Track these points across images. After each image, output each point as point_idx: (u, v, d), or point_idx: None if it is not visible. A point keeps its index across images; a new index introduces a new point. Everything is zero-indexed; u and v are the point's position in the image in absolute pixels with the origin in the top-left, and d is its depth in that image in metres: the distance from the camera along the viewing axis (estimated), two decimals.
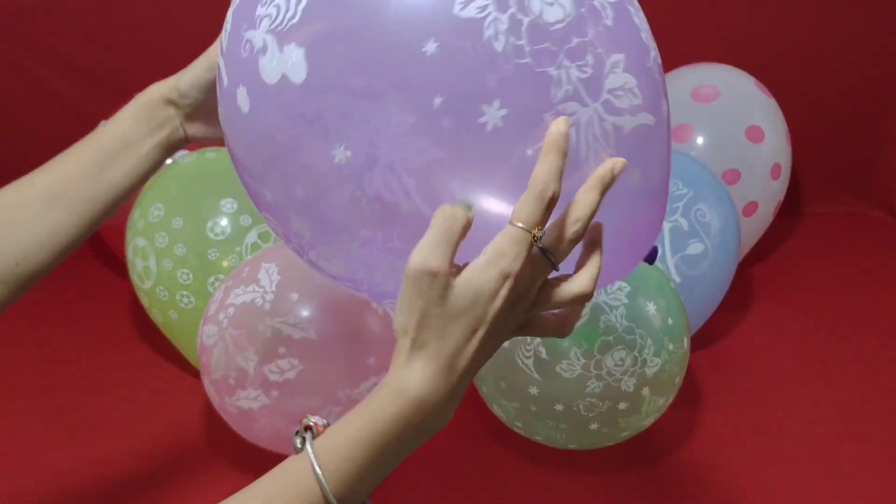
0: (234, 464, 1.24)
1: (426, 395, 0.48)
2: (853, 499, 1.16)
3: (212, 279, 1.28)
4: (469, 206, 0.48)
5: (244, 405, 1.08)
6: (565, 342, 1.04)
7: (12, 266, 0.69)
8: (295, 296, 1.10)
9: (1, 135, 1.99)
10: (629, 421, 1.10)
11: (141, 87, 1.92)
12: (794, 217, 2.04)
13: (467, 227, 0.48)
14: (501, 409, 1.16)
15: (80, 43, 1.93)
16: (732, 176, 1.53)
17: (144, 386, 1.45)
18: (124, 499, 1.20)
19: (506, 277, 0.47)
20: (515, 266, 0.47)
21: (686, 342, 1.14)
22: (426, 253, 0.46)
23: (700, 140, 1.54)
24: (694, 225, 1.32)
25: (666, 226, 1.31)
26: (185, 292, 1.30)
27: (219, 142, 0.70)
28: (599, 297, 1.07)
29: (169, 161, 1.49)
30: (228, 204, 1.31)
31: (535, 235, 0.47)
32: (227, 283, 1.14)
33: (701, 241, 1.32)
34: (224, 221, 1.30)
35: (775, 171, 1.57)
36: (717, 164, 1.49)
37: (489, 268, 0.47)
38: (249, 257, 1.22)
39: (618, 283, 1.08)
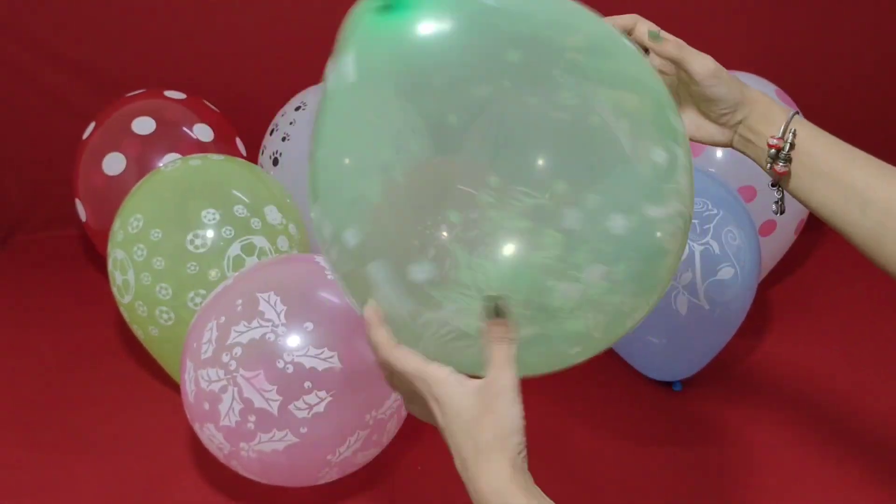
0: (215, 484, 1.18)
1: None
2: None
3: (191, 294, 1.22)
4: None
5: (266, 448, 1.02)
6: None
7: None
8: (310, 325, 1.04)
9: None
10: None
11: (134, 81, 1.88)
12: (818, 234, 1.93)
13: None
14: None
15: (73, 37, 1.88)
16: (748, 193, 1.43)
17: (127, 403, 1.39)
18: None
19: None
20: None
21: None
22: None
23: (714, 155, 1.44)
24: (724, 248, 1.22)
25: (696, 248, 1.21)
26: (164, 307, 1.23)
27: None
28: None
29: (160, 165, 1.44)
30: (210, 215, 1.24)
31: None
32: (217, 321, 1.05)
33: (731, 265, 1.22)
34: (205, 233, 1.23)
35: None
36: (731, 181, 1.39)
37: None
38: (222, 287, 1.12)
39: None
